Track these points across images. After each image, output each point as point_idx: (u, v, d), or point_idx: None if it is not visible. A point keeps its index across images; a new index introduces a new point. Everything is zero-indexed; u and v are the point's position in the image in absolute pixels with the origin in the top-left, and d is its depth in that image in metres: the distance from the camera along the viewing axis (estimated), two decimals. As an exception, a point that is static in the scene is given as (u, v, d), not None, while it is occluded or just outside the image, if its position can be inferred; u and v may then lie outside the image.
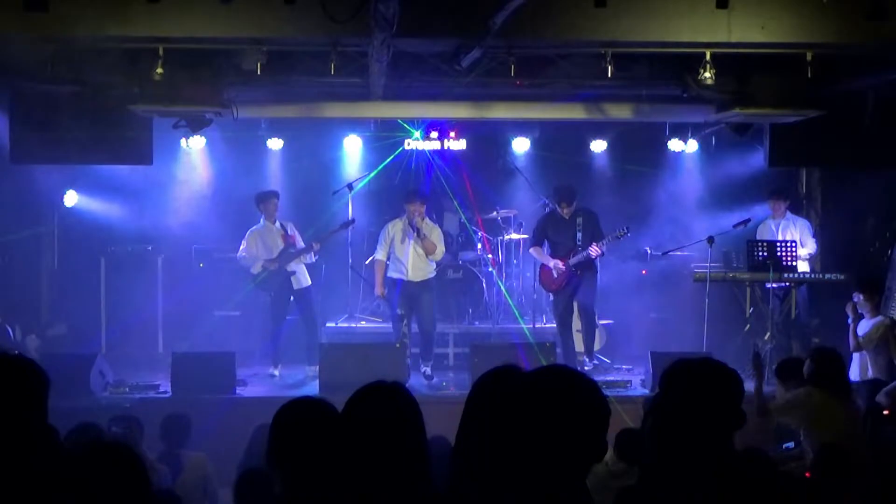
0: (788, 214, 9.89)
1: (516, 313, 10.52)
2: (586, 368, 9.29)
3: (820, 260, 10.15)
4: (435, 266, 9.54)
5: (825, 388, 5.92)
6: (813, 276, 9.41)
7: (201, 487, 6.36)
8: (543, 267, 9.54)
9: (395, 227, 9.44)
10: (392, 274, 9.42)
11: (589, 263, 9.30)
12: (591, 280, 9.40)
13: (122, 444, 3.25)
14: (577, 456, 2.27)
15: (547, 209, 10.25)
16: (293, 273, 9.62)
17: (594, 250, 9.08)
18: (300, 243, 9.70)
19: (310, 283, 9.83)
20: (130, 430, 5.60)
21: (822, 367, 6.02)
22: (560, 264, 9.28)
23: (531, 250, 9.74)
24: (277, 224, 9.68)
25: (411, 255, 9.29)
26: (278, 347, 9.69)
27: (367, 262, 10.89)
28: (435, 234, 9.36)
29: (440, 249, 9.38)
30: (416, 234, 9.20)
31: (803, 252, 9.63)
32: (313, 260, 9.89)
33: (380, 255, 9.48)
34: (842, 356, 6.39)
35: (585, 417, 2.28)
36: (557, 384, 2.32)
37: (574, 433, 2.24)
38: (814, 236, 9.84)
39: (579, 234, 9.23)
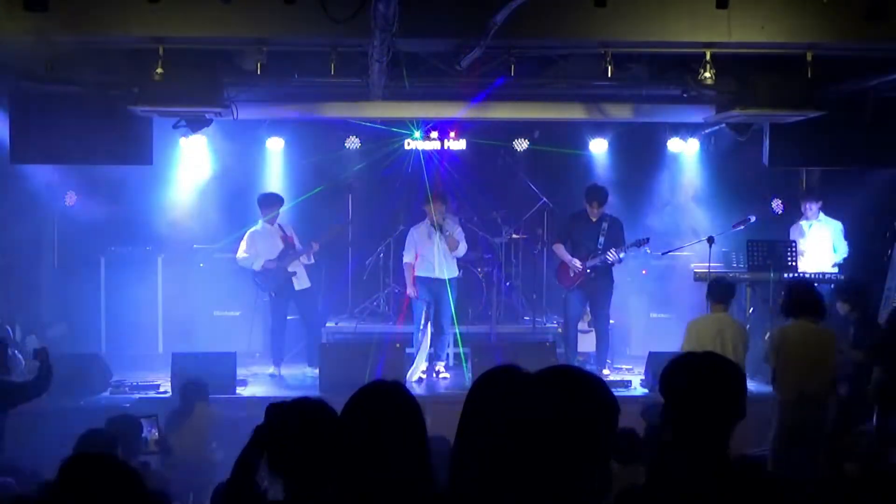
0: (822, 216, 9.83)
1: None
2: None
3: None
4: (458, 265, 9.75)
5: (797, 316, 6.62)
6: (812, 275, 9.39)
7: (205, 435, 6.88)
8: (562, 264, 9.64)
9: (419, 230, 9.65)
10: (420, 273, 9.59)
11: (606, 270, 9.40)
12: (607, 289, 9.51)
13: (107, 457, 3.24)
14: (584, 457, 2.25)
15: (545, 207, 10.27)
16: (294, 274, 9.64)
17: (611, 255, 9.17)
18: (298, 244, 9.73)
19: (310, 284, 9.86)
20: (124, 435, 5.62)
21: (795, 297, 6.75)
22: (578, 263, 9.36)
23: (554, 247, 9.85)
24: (276, 225, 9.70)
25: (436, 254, 9.49)
26: (279, 347, 9.71)
27: (367, 262, 10.91)
28: (456, 232, 9.62)
29: (462, 246, 9.66)
30: (440, 233, 9.43)
31: (836, 257, 9.63)
32: (312, 261, 9.89)
33: (408, 258, 9.67)
34: (813, 287, 7.13)
35: (593, 417, 2.27)
36: (565, 384, 2.31)
37: (581, 433, 2.23)
38: (846, 239, 9.74)
39: (602, 239, 9.34)
